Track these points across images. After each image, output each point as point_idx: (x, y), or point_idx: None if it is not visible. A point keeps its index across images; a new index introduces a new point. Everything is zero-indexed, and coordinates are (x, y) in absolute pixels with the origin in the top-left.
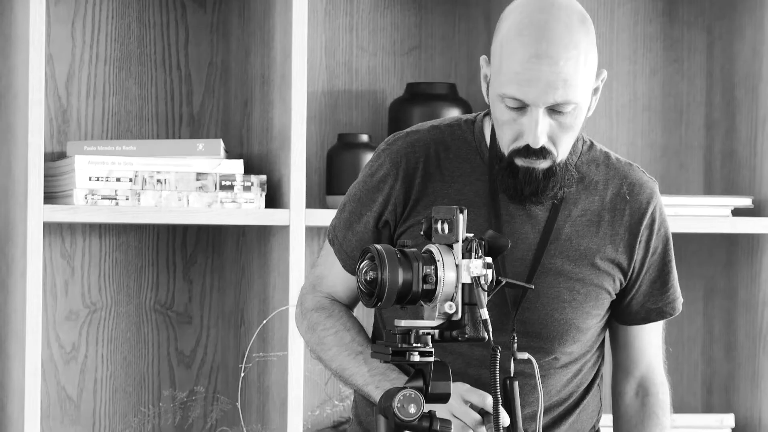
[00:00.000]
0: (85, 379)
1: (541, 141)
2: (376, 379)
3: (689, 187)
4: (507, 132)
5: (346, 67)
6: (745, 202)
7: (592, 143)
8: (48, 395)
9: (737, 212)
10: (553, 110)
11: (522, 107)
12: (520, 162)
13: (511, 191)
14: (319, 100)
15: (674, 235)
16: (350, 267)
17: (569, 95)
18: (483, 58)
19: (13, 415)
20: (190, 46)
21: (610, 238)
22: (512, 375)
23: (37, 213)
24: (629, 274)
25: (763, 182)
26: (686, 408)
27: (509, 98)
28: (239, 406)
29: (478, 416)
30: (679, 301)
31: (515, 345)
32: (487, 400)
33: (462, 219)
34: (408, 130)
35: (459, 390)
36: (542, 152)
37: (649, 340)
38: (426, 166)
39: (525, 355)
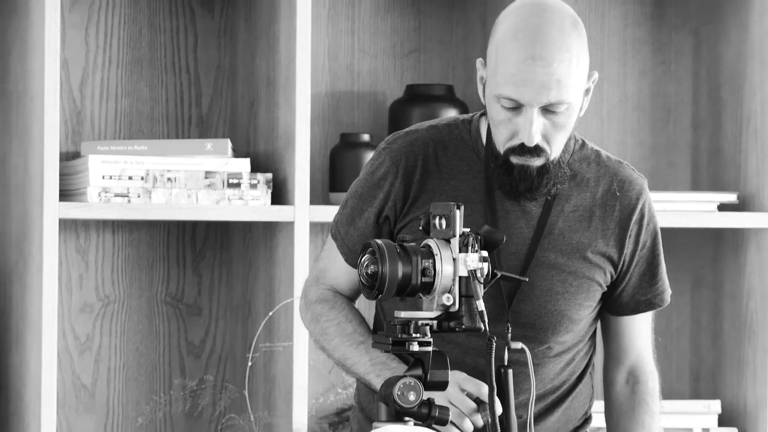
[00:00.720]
0: (99, 369)
1: (535, 139)
2: (377, 368)
3: (677, 184)
4: (503, 131)
5: (348, 70)
6: (731, 197)
7: (583, 142)
8: (64, 384)
9: (723, 207)
10: (547, 110)
11: (517, 107)
12: (515, 160)
13: (507, 188)
14: (322, 101)
15: (662, 229)
16: (352, 261)
17: (562, 95)
18: (479, 61)
19: (30, 403)
20: (198, 50)
21: (601, 233)
22: (506, 364)
23: (52, 210)
24: (619, 267)
25: (747, 178)
26: (675, 395)
27: (505, 98)
28: (246, 394)
29: (473, 404)
30: (668, 292)
31: (509, 335)
32: (482, 389)
33: (459, 215)
34: (407, 129)
35: (456, 378)
36: (536, 150)
37: (639, 331)
38: (425, 164)
39: (519, 345)
